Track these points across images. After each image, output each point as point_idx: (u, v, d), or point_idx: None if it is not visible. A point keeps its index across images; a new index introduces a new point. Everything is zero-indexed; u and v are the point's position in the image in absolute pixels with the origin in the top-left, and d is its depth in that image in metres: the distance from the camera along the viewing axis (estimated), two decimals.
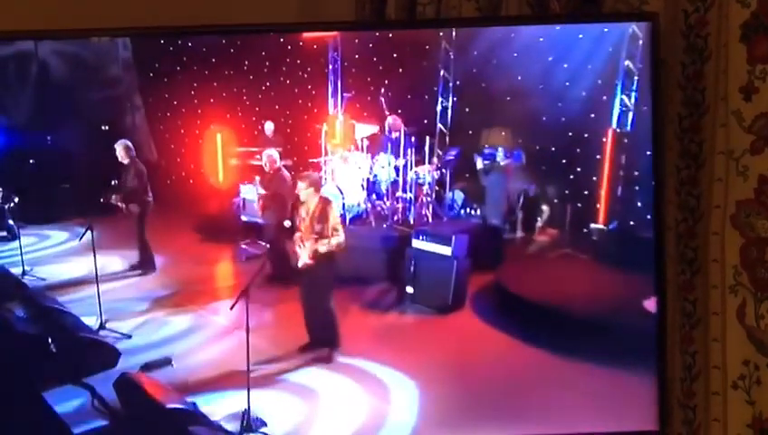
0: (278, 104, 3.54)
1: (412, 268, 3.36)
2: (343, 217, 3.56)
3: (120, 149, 3.36)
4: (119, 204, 3.46)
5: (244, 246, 3.50)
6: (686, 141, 2.99)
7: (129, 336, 3.29)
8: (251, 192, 3.55)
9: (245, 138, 3.50)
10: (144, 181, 3.42)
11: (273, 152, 3.47)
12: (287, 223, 3.42)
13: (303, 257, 3.31)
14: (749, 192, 2.82)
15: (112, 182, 3.42)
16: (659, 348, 2.96)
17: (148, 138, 3.43)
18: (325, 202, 3.34)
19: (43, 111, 3.25)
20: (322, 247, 3.27)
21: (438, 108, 3.47)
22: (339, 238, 3.28)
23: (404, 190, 3.63)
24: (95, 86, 3.29)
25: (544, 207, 3.31)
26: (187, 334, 3.37)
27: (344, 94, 3.56)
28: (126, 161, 3.39)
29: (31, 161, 3.31)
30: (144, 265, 3.49)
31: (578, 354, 3.09)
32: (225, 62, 3.31)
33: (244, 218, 3.54)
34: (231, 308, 3.16)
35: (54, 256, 3.48)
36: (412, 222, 3.63)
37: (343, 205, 3.64)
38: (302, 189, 3.32)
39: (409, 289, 3.35)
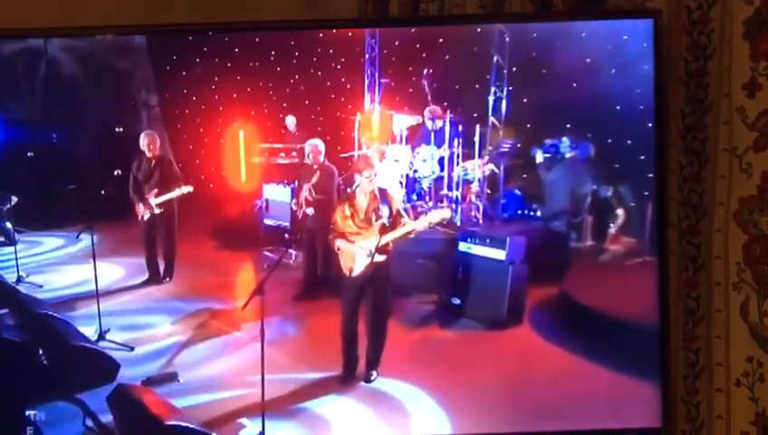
0: (305, 96, 3.21)
1: (459, 276, 2.99)
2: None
3: (146, 139, 3.15)
4: (151, 204, 3.22)
5: (267, 253, 3.16)
6: (689, 138, 2.99)
7: (131, 348, 3.07)
8: (276, 192, 3.25)
9: (270, 134, 3.19)
10: (176, 174, 3.17)
11: (317, 142, 3.13)
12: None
13: (362, 260, 2.97)
14: (752, 189, 2.81)
15: (134, 176, 3.18)
16: (662, 345, 2.95)
17: (163, 137, 3.21)
18: (382, 189, 3.01)
19: (49, 107, 3.08)
20: (394, 236, 2.93)
21: (491, 97, 3.10)
22: (408, 226, 2.95)
23: (449, 188, 3.22)
24: (105, 82, 3.08)
25: (619, 212, 2.95)
26: (199, 347, 3.10)
27: (381, 81, 3.19)
28: (153, 154, 3.17)
29: (29, 154, 3.11)
30: (158, 272, 3.28)
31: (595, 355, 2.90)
32: (248, 54, 3.04)
33: (267, 222, 3.25)
34: (243, 308, 2.92)
35: (56, 261, 3.24)
36: (459, 224, 3.20)
37: None
38: (364, 177, 2.97)
39: (456, 301, 2.97)
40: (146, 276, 3.27)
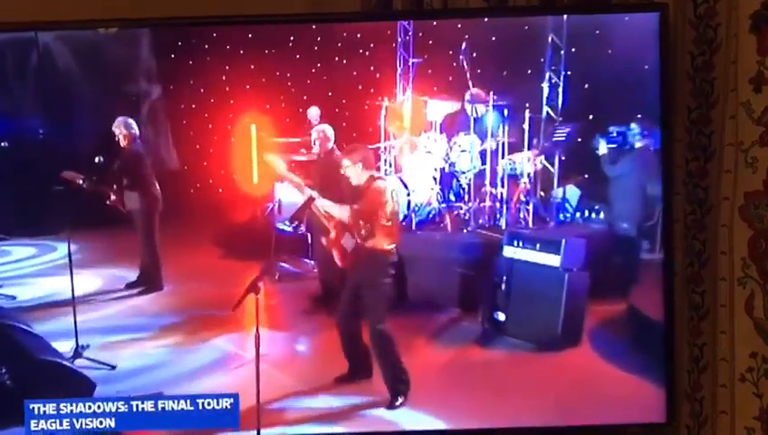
0: (325, 85, 2.85)
1: (504, 286, 2.62)
2: (408, 219, 2.83)
3: (120, 128, 2.86)
4: (109, 194, 2.91)
5: (284, 265, 2.83)
6: (695, 133, 2.98)
7: (113, 367, 2.77)
8: (289, 192, 2.86)
9: (287, 128, 2.86)
10: (145, 169, 2.88)
11: (325, 127, 2.87)
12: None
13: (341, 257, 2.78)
14: (758, 184, 2.80)
15: (96, 159, 2.86)
16: (667, 341, 2.94)
17: (166, 134, 2.92)
18: (376, 185, 2.74)
19: (30, 99, 2.83)
20: (368, 243, 2.70)
21: (545, 84, 2.76)
22: (388, 238, 2.71)
23: (493, 184, 2.82)
24: (99, 74, 2.81)
25: None
26: (192, 367, 2.78)
27: (414, 62, 2.81)
28: (125, 143, 2.89)
29: (3, 144, 2.80)
30: (147, 281, 2.98)
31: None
32: (261, 42, 2.77)
33: (282, 227, 2.87)
34: (234, 309, 2.63)
35: (30, 272, 2.92)
36: (504, 226, 2.78)
37: (408, 204, 2.86)
38: (349, 167, 2.75)
39: (500, 316, 2.60)
40: (131, 287, 2.98)
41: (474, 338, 2.64)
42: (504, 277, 2.63)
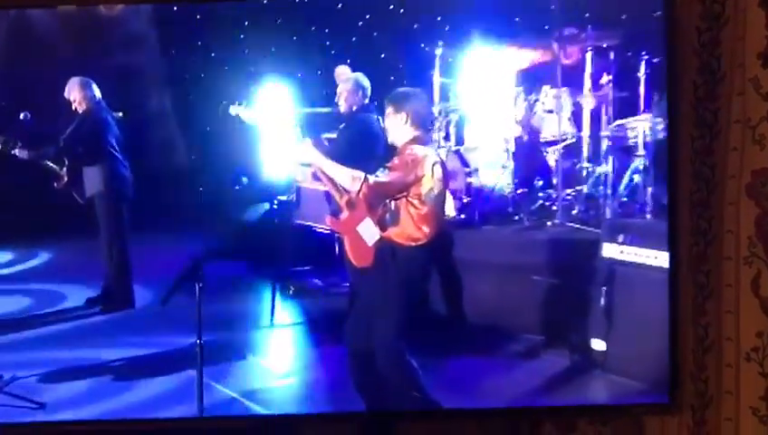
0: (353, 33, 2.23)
1: (603, 300, 2.02)
2: (467, 208, 2.15)
3: (74, 90, 2.37)
4: (60, 174, 2.38)
5: (317, 282, 2.26)
6: (701, 110, 2.94)
7: (40, 405, 2.22)
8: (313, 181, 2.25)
9: (311, 95, 2.27)
10: (110, 141, 2.34)
11: (356, 76, 2.26)
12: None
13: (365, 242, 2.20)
14: (765, 161, 2.76)
15: (21, 115, 2.30)
16: (672, 320, 2.92)
17: (164, 114, 2.43)
18: (412, 151, 2.19)
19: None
20: (390, 231, 2.15)
21: None
22: (417, 228, 2.17)
23: (593, 160, 2.15)
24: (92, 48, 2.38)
25: None
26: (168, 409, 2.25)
27: None
28: (82, 107, 2.40)
29: None
30: (111, 297, 2.42)
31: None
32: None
33: (302, 223, 2.27)
34: (163, 304, 2.18)
35: None
36: (609, 216, 2.12)
37: (467, 187, 2.20)
38: (391, 116, 2.20)
39: (598, 344, 1.97)
40: (92, 303, 2.45)
41: (557, 374, 2.01)
42: (604, 288, 1.99)
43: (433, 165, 2.25)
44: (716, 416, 2.94)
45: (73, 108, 2.46)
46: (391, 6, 2.20)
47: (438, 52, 2.24)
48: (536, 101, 2.18)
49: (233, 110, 2.35)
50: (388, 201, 2.22)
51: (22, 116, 2.45)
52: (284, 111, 2.35)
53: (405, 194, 2.20)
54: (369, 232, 2.21)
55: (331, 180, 2.29)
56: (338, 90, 2.33)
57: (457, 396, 2.13)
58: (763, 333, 2.84)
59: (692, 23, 2.91)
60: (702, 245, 3.00)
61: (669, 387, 2.95)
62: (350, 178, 2.27)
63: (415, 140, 2.26)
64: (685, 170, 2.98)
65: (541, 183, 2.18)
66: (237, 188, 2.46)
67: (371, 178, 2.24)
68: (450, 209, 2.31)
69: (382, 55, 2.32)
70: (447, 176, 2.28)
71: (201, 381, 2.24)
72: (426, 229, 2.22)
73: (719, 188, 2.92)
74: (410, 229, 2.22)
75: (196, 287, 2.18)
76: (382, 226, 2.25)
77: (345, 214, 2.24)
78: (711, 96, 2.91)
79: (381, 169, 2.25)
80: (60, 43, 2.38)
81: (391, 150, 2.24)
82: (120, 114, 2.49)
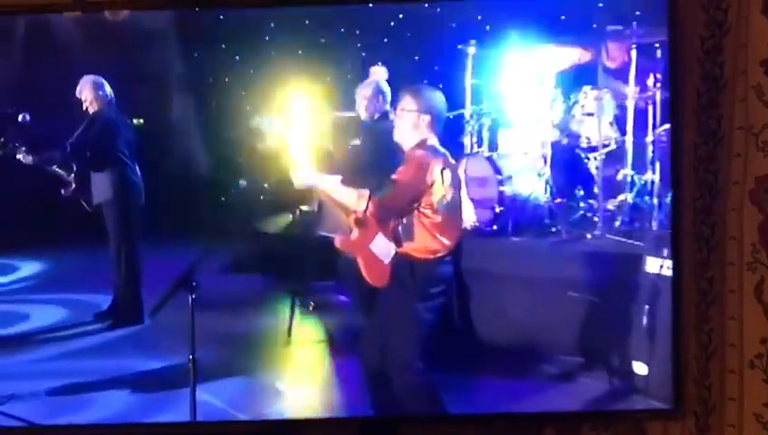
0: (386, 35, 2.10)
1: (646, 319, 1.83)
2: (499, 219, 1.97)
3: (86, 88, 2.25)
4: (66, 179, 2.24)
5: (342, 298, 2.11)
6: (704, 117, 2.94)
7: (32, 424, 2.07)
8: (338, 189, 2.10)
9: (341, 100, 2.14)
10: (121, 144, 2.23)
11: (376, 82, 2.12)
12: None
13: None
14: None
15: (20, 117, 2.17)
16: (675, 326, 2.91)
17: (183, 119, 2.32)
18: (418, 155, 2.04)
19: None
20: (405, 246, 2.01)
21: None
22: (435, 239, 2.00)
23: (638, 167, 1.99)
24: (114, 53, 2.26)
25: None
26: None
27: None
28: (93, 108, 2.30)
29: None
30: (120, 311, 2.28)
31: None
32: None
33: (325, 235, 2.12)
34: (152, 315, 2.10)
35: None
36: (655, 228, 1.98)
37: (500, 196, 2.03)
38: (404, 113, 2.05)
39: (640, 367, 1.78)
40: (100, 318, 2.28)
41: (596, 401, 1.84)
42: (647, 306, 1.83)
43: (442, 170, 2.11)
44: (720, 423, 2.94)
45: (84, 107, 2.35)
46: (426, 5, 2.06)
47: (471, 51, 2.10)
48: (575, 103, 2.08)
49: (255, 121, 2.29)
50: (395, 214, 2.12)
51: (20, 118, 2.34)
52: (311, 117, 2.22)
53: (416, 205, 2.07)
54: (383, 249, 2.09)
55: (336, 201, 2.18)
56: (357, 96, 2.23)
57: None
58: (767, 339, 2.83)
59: (695, 30, 2.91)
60: (705, 251, 3.00)
61: (672, 393, 2.93)
62: (355, 198, 2.16)
63: (423, 145, 2.12)
64: (688, 177, 2.98)
65: (581, 192, 2.03)
66: (233, 191, 2.35)
67: (377, 194, 2.12)
68: (470, 217, 2.18)
69: (416, 57, 2.21)
70: (457, 180, 2.17)
71: (194, 399, 2.14)
72: (444, 240, 2.09)
73: (722, 195, 2.92)
74: (427, 241, 2.08)
75: (189, 299, 2.06)
76: (397, 241, 2.11)
77: (355, 233, 2.12)
78: (714, 103, 2.92)
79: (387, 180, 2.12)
80: (76, 45, 2.30)
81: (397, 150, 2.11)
82: (141, 121, 2.37)
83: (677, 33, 2.85)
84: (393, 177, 2.12)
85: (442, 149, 2.10)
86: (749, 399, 2.89)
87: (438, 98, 2.09)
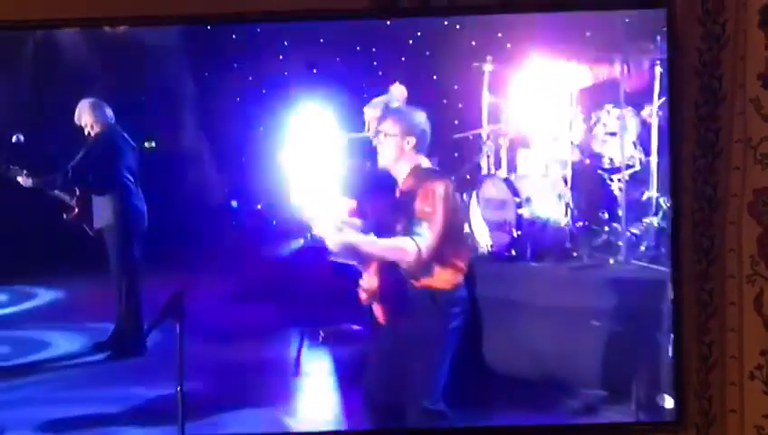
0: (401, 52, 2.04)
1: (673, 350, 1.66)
2: (523, 243, 1.88)
3: (84, 113, 2.19)
4: (68, 201, 2.17)
5: (354, 327, 2.01)
6: (703, 130, 2.96)
7: None
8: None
9: (353, 120, 2.10)
10: (123, 169, 2.16)
11: (389, 99, 2.04)
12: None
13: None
14: (767, 181, 2.79)
15: (13, 138, 2.06)
16: (675, 338, 2.91)
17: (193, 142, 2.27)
18: (429, 186, 1.95)
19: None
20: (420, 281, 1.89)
21: None
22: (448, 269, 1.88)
23: (663, 190, 1.89)
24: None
25: None
26: None
27: None
28: (95, 131, 2.22)
29: None
30: (121, 342, 2.18)
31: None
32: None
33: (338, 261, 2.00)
34: (145, 337, 1.97)
35: None
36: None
37: (518, 219, 1.96)
38: (381, 136, 1.96)
39: (666, 400, 1.71)
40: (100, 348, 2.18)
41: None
42: (673, 336, 1.73)
43: (443, 198, 2.03)
44: (721, 434, 2.94)
45: (86, 133, 2.29)
46: (446, 22, 2.01)
47: (488, 68, 2.03)
48: (597, 122, 2.01)
49: (268, 143, 2.24)
50: None
51: (14, 139, 2.26)
52: (325, 138, 2.17)
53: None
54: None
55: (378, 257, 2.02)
56: (366, 116, 2.14)
57: None
58: (767, 351, 2.85)
59: (693, 43, 2.92)
60: (704, 263, 3.01)
61: (674, 405, 2.93)
62: (402, 250, 2.00)
63: (420, 171, 2.03)
64: (687, 189, 2.99)
65: (606, 216, 1.93)
66: (246, 214, 2.30)
67: (417, 240, 1.98)
68: (485, 240, 2.11)
69: (434, 77, 2.14)
70: (457, 202, 2.11)
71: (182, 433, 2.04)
72: (460, 264, 2.02)
73: (721, 207, 2.93)
74: (445, 274, 2.01)
75: (176, 327, 1.93)
76: (415, 277, 2.03)
77: (369, 281, 2.07)
78: (712, 116, 2.94)
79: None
80: (81, 64, 2.26)
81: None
82: (153, 144, 2.28)
83: (676, 47, 2.85)
84: (420, 215, 2.01)
85: (436, 168, 2.03)
86: (750, 410, 2.89)
87: (420, 117, 2.03)
